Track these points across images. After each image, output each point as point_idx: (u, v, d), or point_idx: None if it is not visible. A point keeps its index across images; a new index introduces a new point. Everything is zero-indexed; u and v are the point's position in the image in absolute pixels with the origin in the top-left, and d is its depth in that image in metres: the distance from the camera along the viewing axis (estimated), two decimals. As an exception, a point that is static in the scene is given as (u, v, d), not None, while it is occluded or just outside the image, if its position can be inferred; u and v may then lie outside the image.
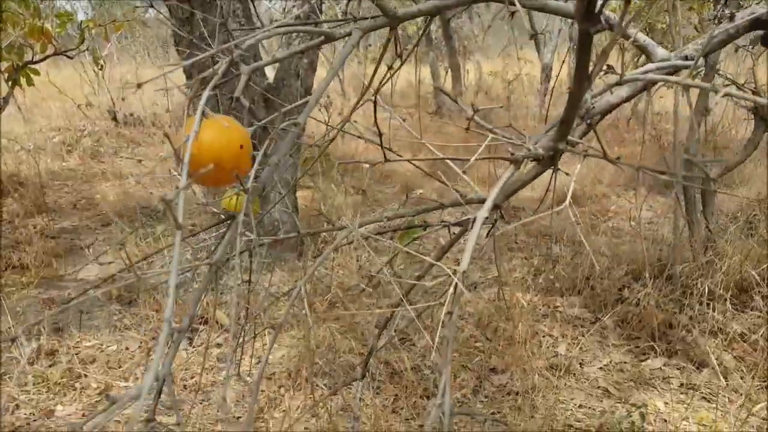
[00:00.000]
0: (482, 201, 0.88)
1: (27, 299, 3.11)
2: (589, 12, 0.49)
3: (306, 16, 2.75)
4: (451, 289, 0.60)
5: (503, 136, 0.80)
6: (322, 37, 0.75)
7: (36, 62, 3.64)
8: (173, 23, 2.80)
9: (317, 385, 2.41)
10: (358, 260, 3.60)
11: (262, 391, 2.35)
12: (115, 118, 6.95)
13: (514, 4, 0.73)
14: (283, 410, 2.24)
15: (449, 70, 8.53)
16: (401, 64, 0.77)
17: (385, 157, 0.79)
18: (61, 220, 4.43)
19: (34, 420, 2.19)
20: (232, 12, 2.92)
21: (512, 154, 0.72)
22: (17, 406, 2.25)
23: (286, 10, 3.28)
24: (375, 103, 0.76)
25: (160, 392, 0.66)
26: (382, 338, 1.34)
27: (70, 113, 7.14)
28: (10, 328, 2.48)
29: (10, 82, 3.54)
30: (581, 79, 0.58)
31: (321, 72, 4.24)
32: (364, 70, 10.27)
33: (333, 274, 3.37)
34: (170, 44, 10.72)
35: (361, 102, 0.78)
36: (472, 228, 0.60)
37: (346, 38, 0.77)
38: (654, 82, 0.76)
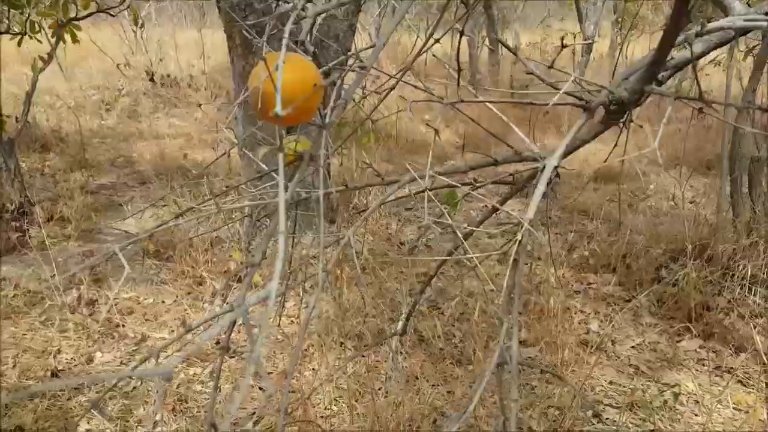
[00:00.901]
0: (541, 158, 0.86)
1: (67, 251, 3.19)
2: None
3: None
4: (519, 236, 0.59)
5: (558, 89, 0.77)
6: None
7: (80, 19, 3.66)
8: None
9: (347, 347, 2.43)
10: (387, 228, 3.60)
11: (291, 347, 2.38)
12: (152, 79, 7.00)
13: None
14: (313, 368, 2.27)
15: (486, 39, 8.39)
16: (469, 10, 0.74)
17: (458, 96, 0.77)
18: (99, 176, 4.51)
19: (75, 365, 2.26)
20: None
21: (586, 101, 0.69)
22: (59, 351, 2.32)
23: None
24: (462, 33, 0.73)
25: (234, 323, 0.66)
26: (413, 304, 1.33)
27: (108, 72, 7.21)
28: (53, 276, 2.54)
29: (54, 39, 3.58)
30: (680, 14, 0.54)
31: (357, 38, 4.19)
32: (399, 37, 10.15)
33: (363, 240, 3.37)
34: (207, 7, 10.70)
35: (425, 47, 0.76)
36: (541, 176, 0.58)
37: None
38: (745, 31, 0.71)
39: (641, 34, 7.90)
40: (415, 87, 0.82)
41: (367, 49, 0.73)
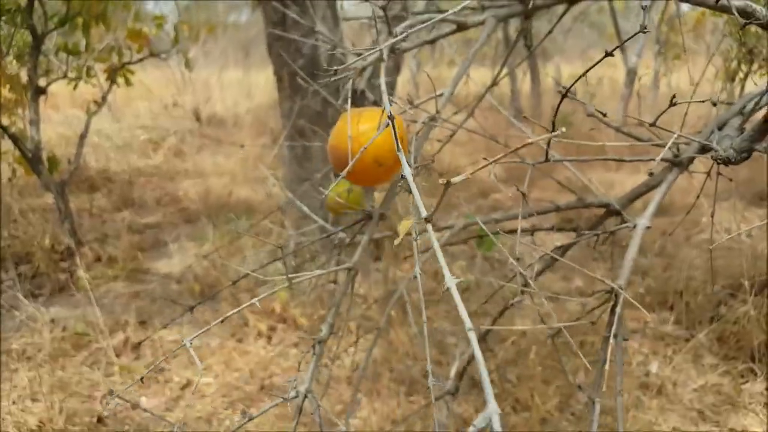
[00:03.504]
0: (603, 205, 0.80)
1: (114, 291, 3.22)
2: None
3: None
4: (616, 314, 0.53)
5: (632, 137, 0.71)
6: (454, 26, 0.70)
7: (134, 63, 3.79)
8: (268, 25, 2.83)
9: (396, 393, 2.36)
10: (433, 264, 3.53)
11: (339, 394, 2.32)
12: (198, 119, 7.16)
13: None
14: (363, 418, 2.20)
15: (528, 72, 8.34)
16: (529, 54, 0.70)
17: (547, 156, 0.72)
18: (146, 215, 4.58)
19: (120, 410, 2.24)
20: (321, 16, 2.93)
21: (675, 155, 0.63)
22: (105, 395, 2.31)
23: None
24: (565, 94, 0.69)
25: (301, 410, 0.61)
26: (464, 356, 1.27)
27: (156, 112, 7.41)
28: (99, 319, 2.55)
29: (108, 82, 3.70)
30: None
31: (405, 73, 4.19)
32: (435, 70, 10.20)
33: (406, 278, 3.31)
34: (251, 47, 10.98)
35: (486, 90, 0.72)
36: (633, 237, 0.53)
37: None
38: None
39: (685, 63, 7.74)
40: (473, 132, 0.78)
41: (432, 98, 0.70)
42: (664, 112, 0.59)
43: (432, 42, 0.75)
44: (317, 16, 3.00)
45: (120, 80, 3.82)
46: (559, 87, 0.79)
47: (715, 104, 0.68)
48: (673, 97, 0.59)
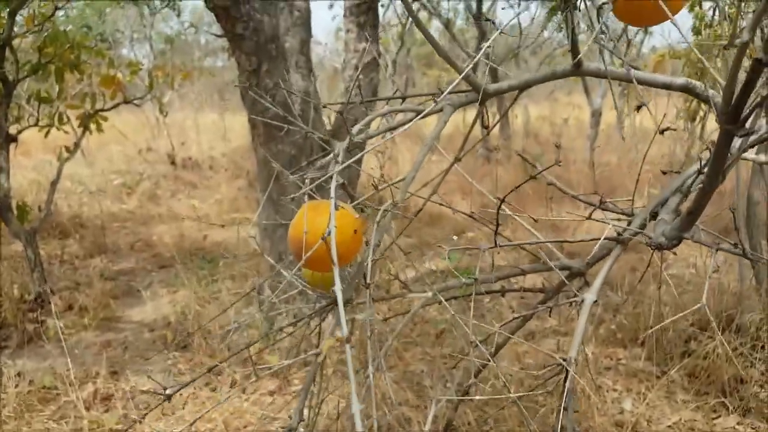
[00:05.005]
0: (565, 268, 0.84)
1: (85, 341, 3.16)
2: (736, 116, 0.48)
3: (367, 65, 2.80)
4: (566, 388, 0.56)
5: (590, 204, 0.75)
6: (415, 114, 0.75)
7: (107, 109, 3.80)
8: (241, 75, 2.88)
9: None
10: (410, 305, 3.53)
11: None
12: (173, 162, 7.16)
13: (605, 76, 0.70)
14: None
15: (497, 114, 8.54)
16: (487, 133, 0.75)
17: (495, 242, 0.76)
18: (119, 261, 4.53)
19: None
20: (294, 63, 2.99)
21: (619, 234, 0.69)
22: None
23: (345, 61, 3.35)
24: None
25: None
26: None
27: (130, 157, 7.38)
28: (68, 370, 2.50)
29: (81, 128, 3.70)
30: (716, 173, 0.56)
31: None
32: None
33: (386, 322, 3.31)
34: (225, 92, 11.07)
35: (448, 169, 0.76)
36: (581, 312, 0.57)
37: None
38: None
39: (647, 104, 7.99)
40: (442, 204, 0.81)
41: (399, 180, 0.75)
42: (602, 201, 0.63)
43: (394, 129, 0.80)
44: (290, 64, 3.07)
45: (92, 126, 3.82)
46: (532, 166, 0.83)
47: (665, 173, 0.75)
48: (602, 197, 0.64)
